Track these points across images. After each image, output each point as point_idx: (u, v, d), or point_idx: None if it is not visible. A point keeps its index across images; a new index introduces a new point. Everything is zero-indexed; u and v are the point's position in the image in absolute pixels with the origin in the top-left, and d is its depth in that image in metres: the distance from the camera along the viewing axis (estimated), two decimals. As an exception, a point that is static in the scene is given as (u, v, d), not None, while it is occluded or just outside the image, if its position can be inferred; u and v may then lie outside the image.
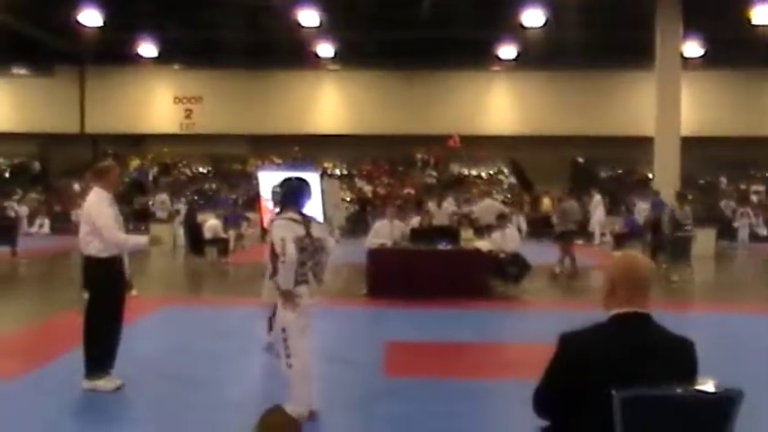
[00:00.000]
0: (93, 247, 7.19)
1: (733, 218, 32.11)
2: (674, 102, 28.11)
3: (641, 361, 3.15)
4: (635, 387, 3.03)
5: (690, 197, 26.50)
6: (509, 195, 34.02)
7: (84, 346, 7.20)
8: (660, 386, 3.09)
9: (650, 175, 30.68)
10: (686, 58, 30.35)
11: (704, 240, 22.40)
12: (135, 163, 38.03)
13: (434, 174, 36.95)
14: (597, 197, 29.01)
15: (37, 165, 38.73)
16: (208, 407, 7.03)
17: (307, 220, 6.37)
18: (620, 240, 24.40)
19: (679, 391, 3.10)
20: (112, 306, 7.33)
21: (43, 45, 33.83)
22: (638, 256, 3.49)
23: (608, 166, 37.57)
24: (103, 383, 7.14)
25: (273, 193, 8.47)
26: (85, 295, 7.25)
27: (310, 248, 6.29)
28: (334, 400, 7.08)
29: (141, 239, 7.90)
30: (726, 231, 30.42)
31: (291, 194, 6.53)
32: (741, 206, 32.83)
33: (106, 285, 7.27)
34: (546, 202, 31.26)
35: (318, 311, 6.55)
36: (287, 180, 6.62)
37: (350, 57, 35.79)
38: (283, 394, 6.28)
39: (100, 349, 7.19)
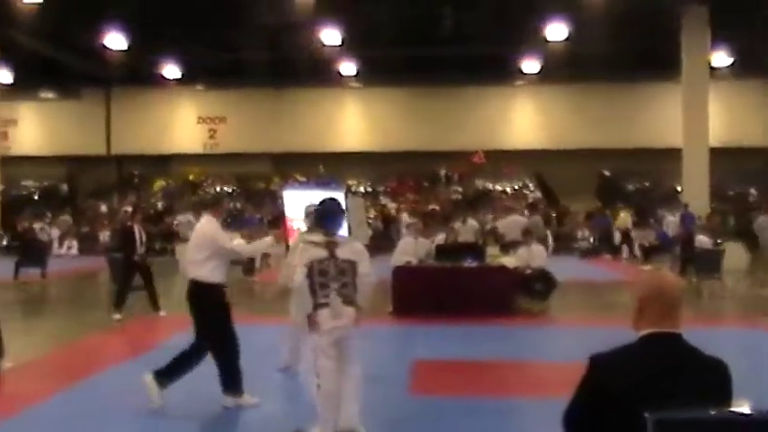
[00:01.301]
0: (207, 272, 7.40)
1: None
2: (702, 112, 27.90)
3: (673, 383, 3.09)
4: (667, 409, 2.95)
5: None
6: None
7: (221, 367, 7.45)
8: (692, 409, 3.00)
9: (678, 188, 30.43)
10: (713, 68, 30.13)
11: (734, 254, 22.12)
12: (159, 183, 38.31)
13: (459, 189, 36.86)
14: (625, 211, 28.79)
15: (65, 187, 39.12)
16: (233, 427, 7.01)
17: (331, 242, 6.31)
18: (648, 254, 24.19)
19: (713, 413, 3.01)
20: (229, 324, 7.60)
21: (70, 68, 34.21)
22: (667, 275, 3.42)
23: (635, 178, 37.30)
24: (247, 399, 7.48)
25: (308, 213, 8.72)
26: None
27: (333, 271, 6.23)
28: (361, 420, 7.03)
29: (267, 240, 8.37)
30: (756, 244, 30.03)
31: (319, 216, 6.63)
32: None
33: (220, 307, 7.53)
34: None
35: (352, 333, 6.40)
36: (321, 202, 6.69)
37: (372, 74, 35.89)
38: (306, 415, 6.25)
39: (234, 366, 7.48)
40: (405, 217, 29.97)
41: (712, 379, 3.17)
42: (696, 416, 3.00)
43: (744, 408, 3.03)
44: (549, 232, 29.38)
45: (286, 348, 9.13)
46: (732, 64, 32.83)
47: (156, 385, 7.26)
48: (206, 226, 7.57)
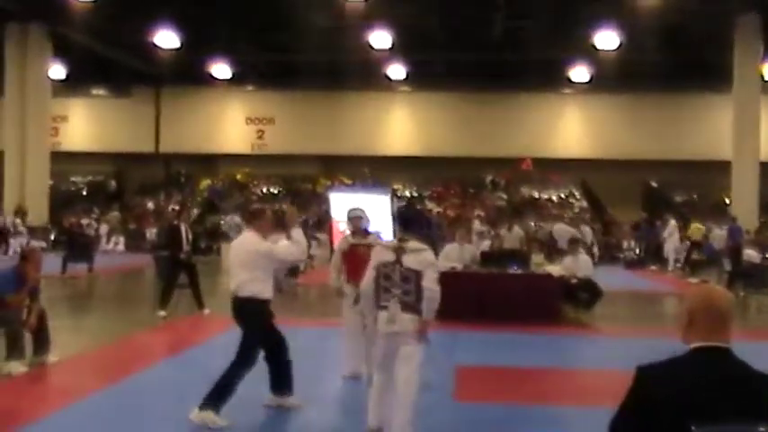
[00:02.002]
0: (256, 289, 7.24)
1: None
2: (753, 125, 27.58)
3: (720, 397, 3.04)
4: (713, 424, 2.93)
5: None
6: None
7: (225, 384, 7.11)
8: (740, 424, 2.98)
9: (727, 200, 30.01)
10: (766, 81, 29.71)
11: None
12: (205, 183, 38.68)
13: (505, 196, 36.72)
14: (672, 222, 28.40)
15: (113, 183, 39.63)
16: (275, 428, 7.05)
17: (400, 248, 6.34)
18: (695, 267, 23.89)
19: (762, 429, 2.97)
20: (273, 331, 7.57)
21: (121, 66, 34.72)
22: (716, 288, 3.39)
23: (682, 190, 36.88)
24: (292, 401, 7.55)
25: (350, 218, 8.94)
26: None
27: (396, 277, 6.27)
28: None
29: (301, 238, 7.70)
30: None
31: (400, 222, 6.91)
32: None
33: (265, 323, 7.45)
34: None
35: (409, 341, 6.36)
36: (399, 209, 6.89)
37: (421, 78, 35.91)
38: (350, 419, 6.26)
39: (285, 365, 7.56)
40: (477, 224, 29.81)
41: (761, 394, 3.11)
42: (743, 430, 2.97)
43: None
44: (595, 241, 29.14)
45: (348, 354, 9.08)
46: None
47: (209, 412, 6.95)
48: (247, 243, 7.39)
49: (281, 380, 7.52)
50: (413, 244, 6.41)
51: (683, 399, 3.03)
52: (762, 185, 27.71)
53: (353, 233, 8.99)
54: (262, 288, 7.24)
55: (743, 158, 27.55)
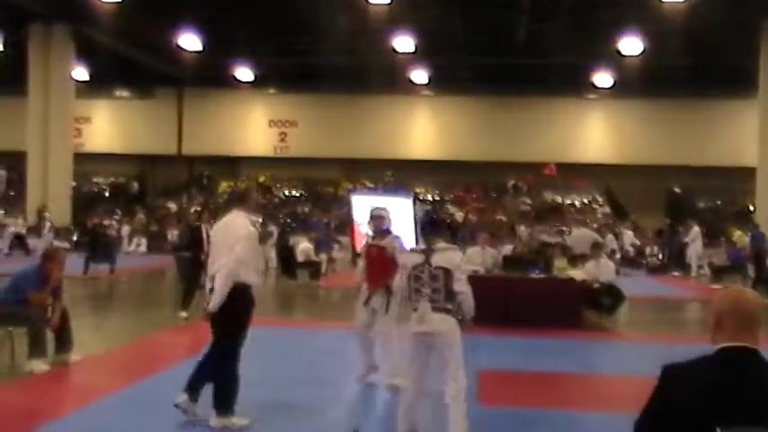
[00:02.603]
0: (242, 273, 6.85)
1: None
2: (779, 131, 27.35)
3: (745, 398, 3.01)
4: (737, 424, 2.91)
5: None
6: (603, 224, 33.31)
7: (220, 383, 6.91)
8: (765, 426, 2.95)
9: (751, 207, 29.79)
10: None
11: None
12: (225, 184, 38.80)
13: (528, 201, 36.61)
14: (695, 228, 28.21)
15: (135, 185, 39.84)
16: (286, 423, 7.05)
17: (429, 250, 6.42)
18: (718, 273, 23.71)
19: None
20: (245, 333, 7.09)
21: (145, 68, 34.92)
22: (746, 290, 3.39)
23: (706, 196, 36.66)
24: (239, 420, 6.92)
25: (372, 216, 8.93)
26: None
27: (425, 277, 6.33)
28: (428, 429, 7.01)
29: (216, 302, 6.83)
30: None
31: (424, 228, 6.90)
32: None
33: (248, 313, 7.06)
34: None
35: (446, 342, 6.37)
36: (425, 213, 7.06)
37: (443, 83, 35.92)
38: (371, 421, 6.23)
39: (236, 381, 6.95)
40: (522, 229, 29.82)
41: None
42: (767, 433, 2.97)
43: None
44: (618, 248, 28.97)
45: (361, 356, 9.03)
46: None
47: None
48: (237, 226, 6.98)
49: (226, 395, 6.90)
50: (441, 244, 6.50)
51: (708, 398, 3.02)
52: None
53: (374, 233, 8.96)
54: (246, 272, 6.90)
55: (768, 164, 27.36)
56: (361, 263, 9.21)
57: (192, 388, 6.94)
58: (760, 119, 27.92)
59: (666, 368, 3.15)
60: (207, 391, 6.91)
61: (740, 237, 25.31)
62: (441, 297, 6.29)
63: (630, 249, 29.69)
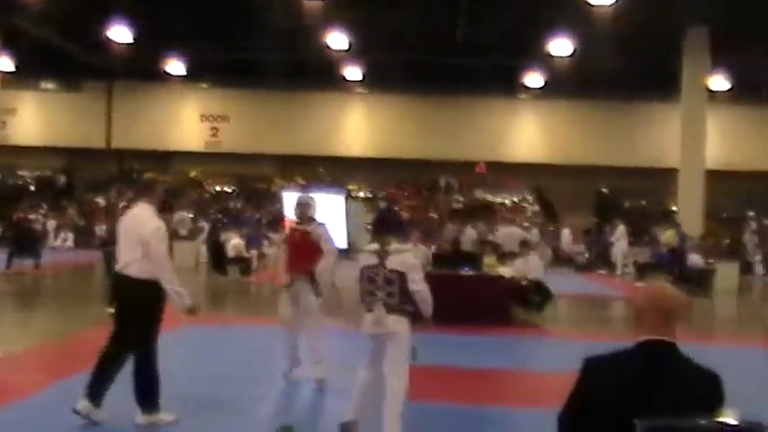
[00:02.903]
0: (144, 270, 6.68)
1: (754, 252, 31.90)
2: (700, 135, 28.13)
3: (663, 389, 3.14)
4: (656, 415, 3.01)
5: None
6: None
7: (143, 381, 6.77)
8: (682, 416, 3.06)
9: (674, 208, 30.56)
10: (713, 92, 30.31)
11: (727, 274, 22.28)
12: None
13: (460, 199, 36.95)
14: (621, 228, 28.89)
15: (62, 179, 39.04)
16: (226, 428, 7.06)
17: (383, 251, 6.47)
18: (642, 271, 24.30)
19: (702, 422, 3.06)
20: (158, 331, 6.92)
21: (73, 59, 34.16)
22: (666, 286, 3.50)
23: (632, 196, 37.42)
24: (164, 417, 6.84)
25: (298, 203, 8.89)
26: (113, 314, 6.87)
27: (380, 280, 6.41)
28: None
29: (180, 291, 6.83)
30: (749, 266, 30.27)
31: (378, 226, 6.87)
32: (753, 240, 32.69)
33: (156, 311, 6.86)
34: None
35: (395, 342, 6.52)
36: (379, 212, 7.00)
37: (378, 80, 35.97)
38: (301, 416, 6.29)
39: (157, 378, 6.83)
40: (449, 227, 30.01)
41: (704, 388, 3.21)
42: (686, 424, 3.05)
43: (732, 418, 3.07)
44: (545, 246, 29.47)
45: (283, 352, 8.98)
46: (730, 89, 33.01)
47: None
48: (143, 217, 6.79)
49: (151, 393, 6.80)
50: (394, 246, 6.56)
51: (627, 390, 3.13)
52: (707, 193, 28.25)
53: (299, 219, 8.92)
54: (149, 267, 6.65)
55: (689, 167, 28.07)
56: (282, 256, 9.14)
57: (94, 391, 6.73)
58: (682, 122, 28.64)
59: (588, 361, 3.26)
60: (127, 390, 6.79)
61: (672, 235, 25.87)
62: (395, 300, 6.40)
63: (567, 248, 30.21)
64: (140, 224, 6.75)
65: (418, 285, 6.48)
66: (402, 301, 6.43)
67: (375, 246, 6.60)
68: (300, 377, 8.72)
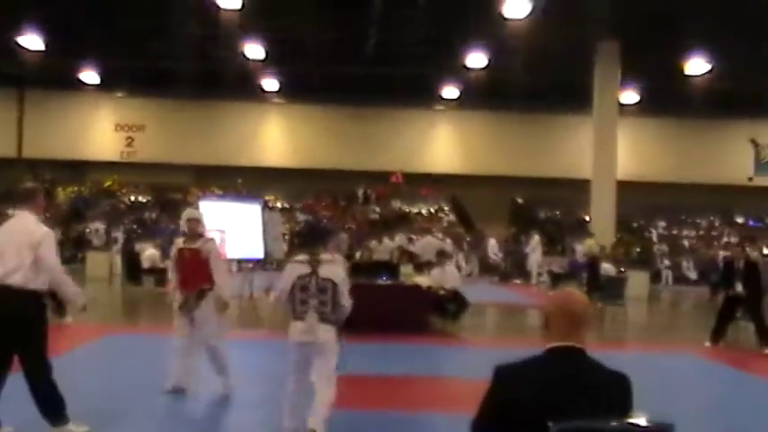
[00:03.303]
0: (30, 279, 6.44)
1: (662, 261, 32.87)
2: (611, 146, 28.78)
3: (574, 394, 3.19)
4: (568, 420, 3.05)
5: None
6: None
7: (44, 394, 6.56)
8: (593, 419, 3.12)
9: (587, 218, 31.25)
10: (623, 105, 31.11)
11: (637, 283, 22.89)
12: (70, 190, 37.49)
13: (377, 210, 37.11)
14: (536, 238, 29.47)
15: (-30, 188, 37.84)
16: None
17: (315, 261, 6.64)
18: (557, 280, 24.78)
19: (614, 424, 3.15)
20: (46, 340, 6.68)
21: (-20, 66, 33.21)
22: (573, 292, 3.55)
23: (547, 206, 38.09)
24: (76, 428, 6.70)
25: (187, 219, 8.72)
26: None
27: (313, 288, 6.58)
28: None
29: (76, 291, 6.94)
30: (658, 274, 31.17)
31: (307, 236, 7.32)
32: (662, 249, 33.71)
33: (45, 321, 6.68)
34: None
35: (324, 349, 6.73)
36: (306, 222, 7.17)
37: (295, 91, 35.92)
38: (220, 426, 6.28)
39: (55, 387, 6.60)
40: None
41: (613, 391, 3.30)
42: (597, 426, 3.13)
43: (642, 420, 3.18)
44: (462, 255, 29.90)
45: (175, 366, 8.61)
46: (640, 102, 33.99)
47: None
48: (27, 224, 6.58)
49: (56, 404, 6.61)
50: (325, 256, 6.80)
51: (539, 396, 3.17)
52: (619, 204, 28.94)
53: (186, 237, 8.69)
54: (35, 277, 6.46)
55: (601, 177, 28.67)
56: (172, 270, 8.89)
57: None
58: (594, 133, 29.28)
59: (499, 369, 3.29)
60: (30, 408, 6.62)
61: (592, 244, 26.32)
62: (327, 309, 6.61)
63: (494, 257, 30.56)
64: (28, 231, 6.51)
65: (346, 300, 6.76)
66: (332, 311, 6.64)
67: (305, 256, 6.74)
68: (180, 392, 8.44)
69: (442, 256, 16.33)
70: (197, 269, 8.45)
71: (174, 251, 8.81)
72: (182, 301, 8.51)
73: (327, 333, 6.65)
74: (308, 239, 7.12)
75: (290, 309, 6.68)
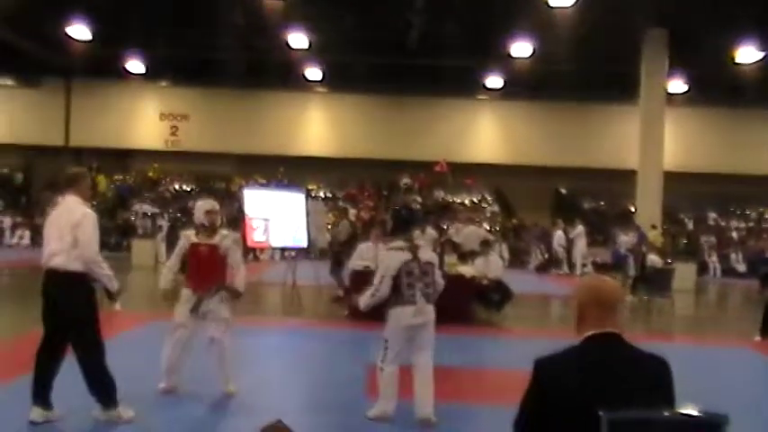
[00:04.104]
0: (71, 261, 6.48)
1: (709, 253, 32.38)
2: (658, 137, 28.42)
3: (617, 379, 3.17)
4: (613, 405, 3.02)
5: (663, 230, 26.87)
6: (492, 226, 33.90)
7: (96, 377, 6.63)
8: (637, 404, 3.10)
9: (632, 209, 30.91)
10: (670, 94, 30.70)
11: (684, 274, 22.58)
12: (117, 178, 37.95)
13: (419, 199, 36.99)
14: (579, 228, 29.13)
15: (20, 176, 38.52)
16: (195, 419, 7.02)
17: (414, 246, 7.10)
18: (601, 271, 24.55)
19: (666, 413, 3.11)
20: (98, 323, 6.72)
21: (31, 56, 33.67)
22: (604, 279, 3.53)
23: (591, 197, 37.77)
24: (124, 412, 6.78)
25: (205, 212, 8.10)
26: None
27: (417, 272, 7.00)
28: (319, 421, 7.13)
29: (110, 276, 6.83)
30: (705, 266, 30.72)
31: (401, 223, 7.55)
32: (710, 241, 33.16)
33: (93, 304, 6.72)
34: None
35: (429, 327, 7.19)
36: (396, 210, 7.56)
37: (338, 80, 35.95)
38: (274, 404, 6.27)
39: (106, 372, 6.67)
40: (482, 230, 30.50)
41: (655, 373, 3.28)
42: (651, 416, 3.09)
43: (693, 410, 3.13)
44: (505, 245, 29.68)
45: (171, 363, 8.02)
46: (688, 91, 33.51)
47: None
48: (76, 206, 6.61)
49: (104, 388, 6.68)
50: (419, 241, 7.37)
51: (582, 385, 3.14)
52: (665, 195, 28.59)
53: (201, 230, 8.07)
54: (75, 259, 6.48)
55: (647, 168, 28.37)
56: (174, 261, 8.27)
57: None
58: (641, 124, 28.94)
59: (539, 362, 3.25)
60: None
61: (657, 235, 25.90)
62: (431, 290, 7.14)
63: (559, 250, 30.01)
64: (69, 212, 6.58)
65: (440, 278, 7.36)
66: (434, 291, 7.18)
67: (401, 242, 7.14)
68: (171, 393, 8.01)
69: (486, 245, 16.23)
70: (214, 268, 7.96)
71: (184, 244, 8.08)
72: (194, 303, 7.93)
73: (432, 312, 7.14)
74: (400, 226, 7.42)
75: (395, 295, 6.99)
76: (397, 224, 7.63)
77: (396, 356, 7.15)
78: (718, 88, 33.22)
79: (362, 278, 14.15)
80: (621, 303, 3.41)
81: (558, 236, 29.78)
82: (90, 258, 6.56)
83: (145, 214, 31.91)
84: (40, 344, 6.71)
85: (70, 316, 6.57)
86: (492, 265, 15.37)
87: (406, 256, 6.98)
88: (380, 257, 7.30)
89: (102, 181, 36.51)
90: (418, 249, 7.09)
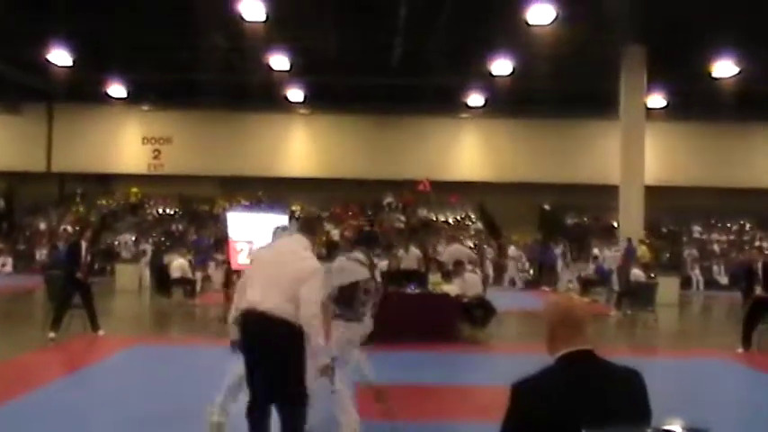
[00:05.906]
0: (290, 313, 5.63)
1: (692, 266, 32.56)
2: (638, 151, 28.57)
3: (595, 396, 3.18)
4: (594, 422, 3.03)
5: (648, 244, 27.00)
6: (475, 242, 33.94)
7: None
8: (617, 420, 3.10)
9: (615, 223, 31.05)
10: (650, 109, 30.90)
11: (668, 288, 22.67)
12: (101, 202, 37.82)
13: (402, 218, 37.06)
14: (563, 244, 29.26)
15: (2, 202, 38.32)
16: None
17: (373, 265, 7.15)
18: (585, 286, 24.63)
19: (649, 430, 3.13)
20: None
21: (12, 82, 33.58)
22: (571, 298, 3.59)
23: (574, 213, 37.90)
24: None
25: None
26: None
27: (373, 290, 7.07)
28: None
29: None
30: (689, 279, 30.87)
31: (363, 239, 7.73)
32: (692, 254, 33.36)
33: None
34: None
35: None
36: (365, 231, 7.78)
37: (320, 101, 36.03)
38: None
39: None
40: (512, 250, 30.75)
41: (629, 387, 3.30)
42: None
43: (677, 427, 3.15)
44: (488, 262, 29.66)
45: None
46: (666, 106, 33.77)
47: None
48: (300, 254, 5.90)
49: None
50: (376, 259, 7.53)
51: (561, 405, 3.15)
52: (647, 209, 28.73)
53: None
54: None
55: (629, 183, 28.48)
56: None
57: None
58: (622, 139, 29.09)
59: (517, 386, 3.25)
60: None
61: (645, 251, 25.94)
62: (374, 308, 7.18)
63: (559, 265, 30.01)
64: (298, 264, 5.79)
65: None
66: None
67: (362, 256, 7.14)
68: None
69: (459, 265, 16.26)
70: None
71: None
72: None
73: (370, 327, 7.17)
74: (362, 241, 7.52)
75: (346, 308, 6.92)
76: (359, 239, 7.79)
77: (341, 370, 6.70)
78: (697, 103, 33.51)
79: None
80: (590, 319, 3.42)
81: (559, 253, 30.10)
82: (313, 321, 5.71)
83: (126, 243, 31.81)
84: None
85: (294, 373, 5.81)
86: (469, 283, 15.46)
87: (365, 273, 7.00)
88: (340, 266, 6.94)
89: (79, 208, 36.41)
90: (375, 268, 7.17)
